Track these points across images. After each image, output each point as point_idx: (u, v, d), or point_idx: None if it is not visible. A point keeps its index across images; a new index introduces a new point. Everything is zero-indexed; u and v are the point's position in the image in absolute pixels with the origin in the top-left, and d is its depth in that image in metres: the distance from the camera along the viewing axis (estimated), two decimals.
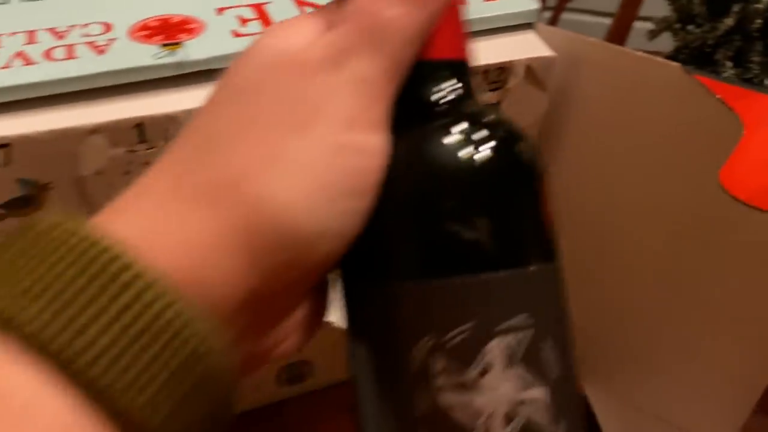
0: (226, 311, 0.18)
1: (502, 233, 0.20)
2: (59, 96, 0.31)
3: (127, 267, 0.16)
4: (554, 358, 0.20)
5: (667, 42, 0.62)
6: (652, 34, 0.64)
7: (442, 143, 0.20)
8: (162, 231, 0.18)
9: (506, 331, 0.19)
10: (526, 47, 0.39)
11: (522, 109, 0.40)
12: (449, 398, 0.19)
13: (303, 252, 0.19)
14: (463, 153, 0.20)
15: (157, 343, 0.16)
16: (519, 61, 0.38)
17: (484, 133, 0.21)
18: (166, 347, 0.16)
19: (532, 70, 0.39)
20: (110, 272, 0.16)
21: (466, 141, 0.20)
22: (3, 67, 0.32)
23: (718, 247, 0.40)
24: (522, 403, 0.19)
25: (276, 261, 0.19)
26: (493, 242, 0.20)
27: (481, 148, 0.20)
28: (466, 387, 0.19)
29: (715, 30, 0.57)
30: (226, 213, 0.18)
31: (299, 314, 0.22)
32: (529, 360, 0.19)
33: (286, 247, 0.19)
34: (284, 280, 0.19)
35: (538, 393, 0.19)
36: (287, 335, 0.22)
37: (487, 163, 0.20)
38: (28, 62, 0.32)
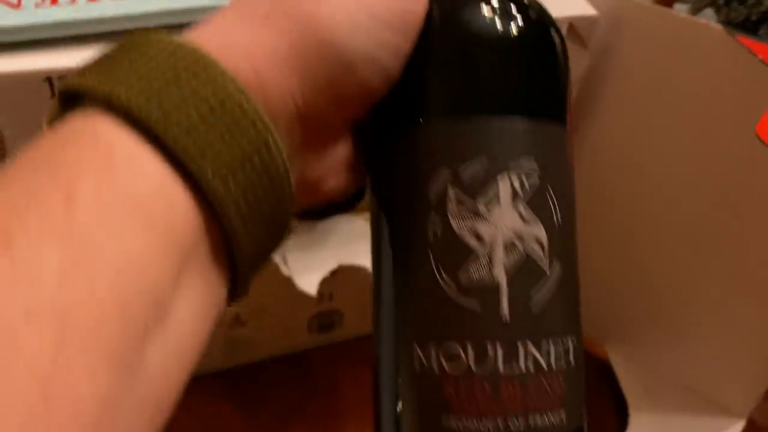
0: (281, 122, 0.20)
1: (523, 84, 0.23)
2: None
3: (212, 65, 0.18)
4: (555, 208, 0.22)
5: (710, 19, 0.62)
6: (695, 10, 0.64)
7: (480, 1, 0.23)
8: (232, 44, 0.20)
9: (513, 170, 0.21)
10: (569, 4, 0.39)
11: None
12: (459, 224, 0.21)
13: (344, 72, 0.21)
14: (499, 10, 0.23)
15: (237, 128, 0.18)
16: (562, 18, 0.38)
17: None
18: (245, 133, 0.18)
19: (575, 28, 0.39)
20: (199, 66, 0.18)
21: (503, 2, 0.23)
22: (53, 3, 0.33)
23: (753, 211, 0.40)
24: (521, 237, 0.21)
25: (320, 77, 0.21)
26: (512, 89, 0.23)
27: (515, 9, 0.23)
28: (474, 215, 0.21)
29: (759, 5, 0.57)
30: (284, 29, 0.20)
31: (342, 153, 0.23)
32: (531, 201, 0.22)
33: (329, 64, 0.21)
34: (328, 99, 0.21)
35: (537, 232, 0.22)
36: (333, 172, 0.23)
37: (522, 22, 0.23)
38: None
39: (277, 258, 0.43)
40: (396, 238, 0.23)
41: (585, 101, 0.44)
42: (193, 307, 0.18)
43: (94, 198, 0.16)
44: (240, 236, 0.19)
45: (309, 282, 0.42)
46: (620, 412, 0.50)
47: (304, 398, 0.52)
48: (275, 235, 0.21)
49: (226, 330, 0.50)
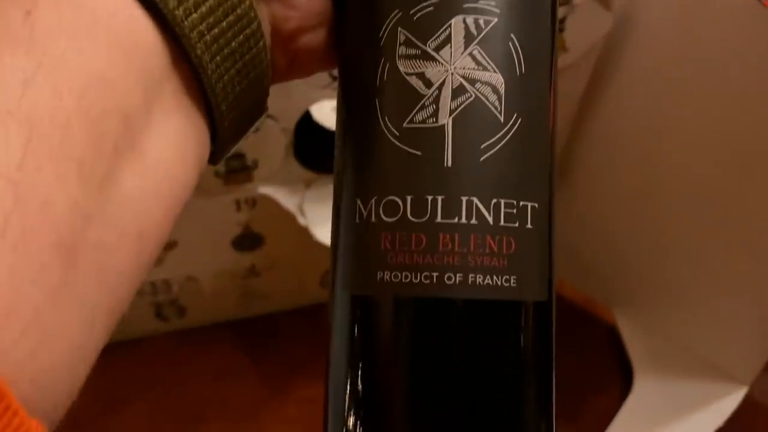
0: None
1: None
2: None
3: None
4: (518, 57, 0.21)
5: None
6: None
7: None
8: None
9: (470, 13, 0.20)
10: None
11: (586, 27, 0.41)
12: (406, 67, 0.20)
13: None
14: None
15: None
16: None
17: None
18: None
19: None
20: None
21: None
22: None
23: (764, 178, 0.40)
24: (474, 81, 0.20)
25: None
26: None
27: None
28: (423, 58, 0.20)
29: None
30: None
31: (318, 3, 0.23)
32: (488, 46, 0.20)
33: None
34: None
35: (492, 78, 0.20)
36: (309, 24, 0.22)
37: None
38: None
39: (294, 209, 0.43)
40: (349, 90, 0.22)
41: (606, 63, 0.44)
42: (170, 144, 0.18)
43: (54, 13, 0.16)
44: (207, 67, 0.19)
45: (326, 234, 0.42)
46: (625, 376, 0.51)
47: (315, 351, 0.52)
48: (252, 84, 0.21)
49: (240, 281, 0.51)
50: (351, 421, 0.21)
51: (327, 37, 0.23)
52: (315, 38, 0.23)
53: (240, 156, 0.41)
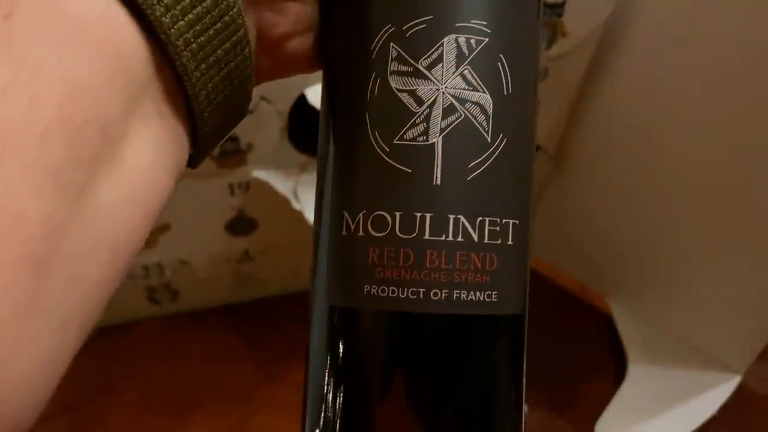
0: None
1: None
2: None
3: None
4: (506, 77, 0.21)
5: None
6: None
7: None
8: None
9: (462, 32, 0.20)
10: None
11: (585, 12, 0.40)
12: (398, 83, 0.21)
13: None
14: None
15: None
16: None
17: None
18: None
19: None
20: None
21: None
22: None
23: (758, 168, 0.40)
24: (463, 101, 0.20)
25: None
26: None
27: None
28: (414, 76, 0.20)
29: None
30: None
31: (305, 10, 0.22)
32: (478, 66, 0.21)
33: None
34: None
35: (481, 99, 0.21)
36: (296, 30, 0.22)
37: None
38: None
39: (288, 193, 0.43)
40: (337, 101, 0.22)
41: (606, 49, 0.44)
42: (149, 151, 0.18)
43: (35, 18, 0.15)
44: (192, 75, 0.18)
45: None
46: (619, 364, 0.51)
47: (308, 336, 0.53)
48: (236, 89, 0.20)
49: (235, 265, 0.51)
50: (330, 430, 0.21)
51: (315, 42, 0.23)
52: (304, 43, 0.23)
53: (234, 139, 0.41)
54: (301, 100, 0.41)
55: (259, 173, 0.43)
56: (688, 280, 0.48)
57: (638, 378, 0.50)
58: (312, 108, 0.43)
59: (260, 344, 0.52)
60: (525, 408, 0.22)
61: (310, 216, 0.43)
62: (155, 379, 0.50)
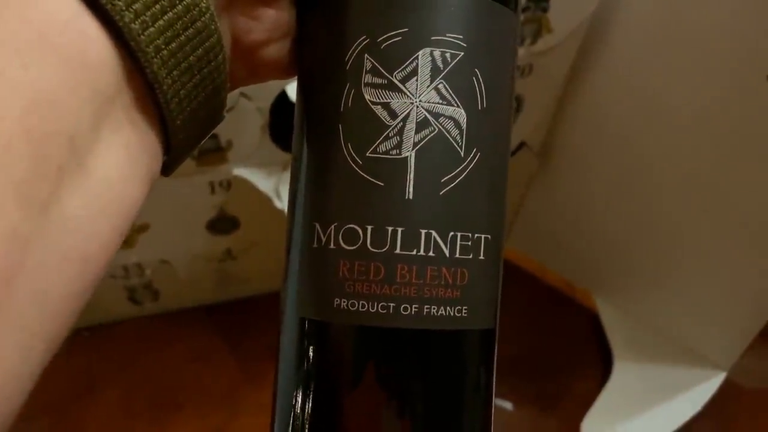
0: None
1: None
2: None
3: None
4: (481, 92, 0.21)
5: None
6: None
7: None
8: None
9: (437, 46, 0.20)
10: None
11: (570, 7, 0.40)
12: (372, 96, 0.20)
13: None
14: None
15: None
16: None
17: None
18: None
19: None
20: None
21: None
22: None
23: (745, 166, 0.40)
24: (438, 115, 0.20)
25: None
26: None
27: None
28: (389, 89, 0.20)
29: None
30: None
31: (281, 16, 0.22)
32: (452, 81, 0.20)
33: None
34: None
35: (455, 113, 0.21)
36: (272, 36, 0.22)
37: None
38: None
39: (270, 192, 0.42)
40: (311, 111, 0.22)
41: (592, 44, 0.43)
42: (119, 161, 0.17)
43: None
44: (163, 82, 0.18)
45: None
46: (605, 361, 0.51)
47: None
48: (209, 96, 0.20)
49: (217, 264, 0.50)
50: None
51: (291, 48, 0.22)
52: (280, 50, 0.22)
53: (213, 136, 0.40)
54: (282, 96, 0.40)
55: (241, 171, 0.42)
56: (674, 277, 0.48)
57: (624, 375, 0.50)
58: (293, 105, 0.42)
59: (243, 344, 0.52)
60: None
61: None
62: (137, 379, 0.49)
